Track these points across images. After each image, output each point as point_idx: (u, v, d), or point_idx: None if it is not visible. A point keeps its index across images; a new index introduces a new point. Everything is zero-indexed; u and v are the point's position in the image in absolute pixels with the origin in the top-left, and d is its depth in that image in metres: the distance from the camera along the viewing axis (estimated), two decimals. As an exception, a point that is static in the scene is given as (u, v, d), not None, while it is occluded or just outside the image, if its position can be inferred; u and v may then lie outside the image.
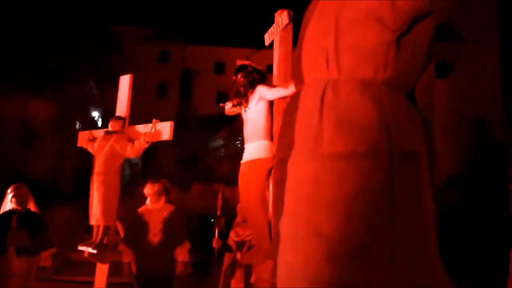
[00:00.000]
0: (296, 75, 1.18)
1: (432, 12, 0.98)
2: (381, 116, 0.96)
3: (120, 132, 4.94)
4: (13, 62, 12.82)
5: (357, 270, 0.91)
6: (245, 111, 3.43)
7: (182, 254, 4.47)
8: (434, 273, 0.97)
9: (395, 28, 0.96)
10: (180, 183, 10.98)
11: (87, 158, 5.44)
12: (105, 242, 4.58)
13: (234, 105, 3.50)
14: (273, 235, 1.08)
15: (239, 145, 13.86)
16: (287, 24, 3.47)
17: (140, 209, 4.70)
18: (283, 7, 3.60)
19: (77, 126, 15.58)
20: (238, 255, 4.90)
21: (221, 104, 3.81)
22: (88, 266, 5.04)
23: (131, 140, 4.85)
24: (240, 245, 4.92)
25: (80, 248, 4.59)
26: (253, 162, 3.25)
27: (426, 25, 0.99)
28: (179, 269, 4.45)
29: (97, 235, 4.62)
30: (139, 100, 7.31)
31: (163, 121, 4.90)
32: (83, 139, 5.40)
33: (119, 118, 5.10)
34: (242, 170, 3.34)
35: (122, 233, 4.95)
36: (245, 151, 3.38)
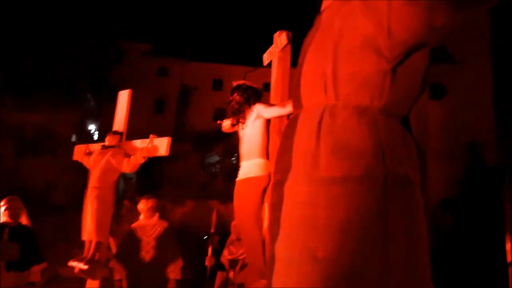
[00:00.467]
0: (294, 98, 1.21)
1: (427, 43, 1.01)
2: (376, 142, 0.99)
3: (117, 147, 4.94)
4: (10, 74, 12.87)
5: None
6: (242, 128, 3.46)
7: (174, 272, 4.42)
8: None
9: (391, 58, 1.00)
10: (175, 199, 10.91)
11: (82, 172, 5.42)
12: (96, 258, 4.52)
13: (232, 125, 3.52)
14: (268, 257, 1.09)
15: (235, 162, 13.86)
16: (286, 45, 3.53)
17: (133, 225, 4.66)
18: (282, 28, 3.68)
19: (73, 139, 15.55)
20: (231, 274, 4.85)
21: (218, 122, 3.83)
22: (78, 282, 4.95)
23: (128, 155, 4.85)
24: (233, 263, 4.88)
25: (71, 263, 4.52)
26: (248, 180, 3.26)
27: (420, 56, 1.03)
28: (171, 287, 4.39)
29: (88, 251, 4.56)
30: (137, 115, 7.33)
31: (160, 137, 4.92)
32: (79, 152, 5.39)
33: (116, 132, 5.11)
34: (237, 188, 3.35)
35: (114, 249, 4.90)
36: (241, 168, 3.39)
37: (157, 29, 30.01)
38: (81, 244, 4.76)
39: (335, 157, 0.99)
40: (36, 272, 4.64)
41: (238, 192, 3.32)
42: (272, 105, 3.41)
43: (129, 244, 4.49)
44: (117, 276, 4.48)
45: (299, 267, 0.96)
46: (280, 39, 3.58)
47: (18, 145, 10.69)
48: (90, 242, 4.57)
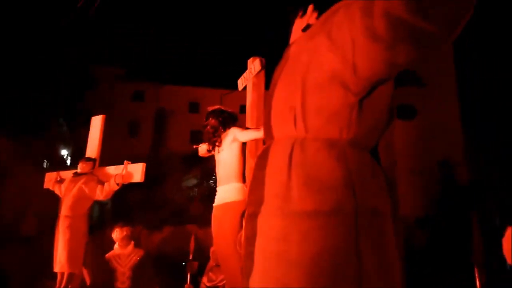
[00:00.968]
0: (265, 129, 1.22)
1: (391, 78, 1.06)
2: (346, 174, 1.00)
3: (90, 174, 4.84)
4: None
5: None
6: (218, 152, 3.45)
7: (151, 303, 4.29)
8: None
9: (357, 92, 1.03)
10: (151, 225, 10.66)
11: (53, 200, 5.24)
12: (69, 290, 4.34)
13: (208, 151, 3.52)
14: (243, 292, 1.08)
15: (213, 185, 13.73)
16: (260, 71, 3.60)
17: (108, 255, 4.53)
18: (255, 53, 3.75)
19: (45, 165, 15.08)
20: (210, 302, 4.74)
21: (194, 146, 3.82)
22: (50, 316, 4.72)
23: (101, 182, 4.75)
24: (212, 291, 4.78)
25: (42, 298, 4.32)
26: (225, 205, 3.24)
27: (385, 89, 1.06)
28: (148, 318, 4.26)
29: (61, 283, 4.38)
30: (111, 139, 7.21)
31: (136, 161, 4.85)
32: (50, 180, 5.24)
33: (89, 159, 5.01)
34: (214, 213, 3.32)
35: (88, 281, 4.72)
36: (217, 193, 3.37)
37: (131, 53, 29.95)
38: (54, 276, 4.57)
39: (307, 190, 0.99)
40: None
41: (215, 218, 3.29)
42: (247, 128, 3.43)
43: (104, 275, 4.34)
44: (91, 309, 4.30)
45: (273, 303, 0.95)
46: (254, 64, 3.65)
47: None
48: (63, 274, 4.40)
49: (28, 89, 14.82)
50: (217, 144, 3.44)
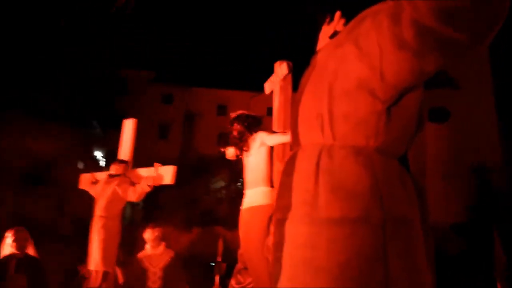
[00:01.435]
0: (292, 135, 1.24)
1: (420, 85, 1.05)
2: (373, 182, 1.00)
3: (123, 176, 4.98)
4: (15, 102, 13.08)
5: None
6: (246, 155, 3.48)
7: (181, 302, 4.37)
8: None
9: (384, 99, 1.03)
10: (181, 226, 10.85)
11: (88, 201, 5.44)
12: (103, 288, 4.49)
13: (237, 156, 3.55)
14: (271, 298, 1.10)
15: (241, 187, 13.78)
16: (287, 75, 3.61)
17: (139, 255, 4.65)
18: (283, 57, 3.77)
19: (80, 166, 15.63)
20: (239, 304, 4.77)
21: (221, 149, 3.87)
22: (84, 313, 4.90)
23: (133, 184, 4.88)
24: (240, 293, 4.81)
25: (78, 295, 4.49)
26: (253, 209, 3.26)
27: (414, 96, 1.06)
28: (177, 317, 4.34)
29: (95, 281, 4.53)
30: (142, 141, 7.41)
31: (165, 163, 4.96)
32: (85, 181, 5.43)
33: (122, 161, 5.16)
34: (242, 217, 3.34)
35: (121, 279, 4.87)
36: (245, 197, 3.40)
37: (161, 56, 30.62)
38: (88, 274, 4.74)
39: (334, 198, 1.00)
40: (42, 304, 4.61)
41: (243, 221, 3.32)
42: (274, 132, 3.45)
43: (136, 274, 4.46)
44: (123, 307, 4.43)
45: (301, 309, 0.97)
46: (281, 68, 3.66)
47: (23, 173, 10.76)
48: (97, 272, 4.55)
49: (63, 91, 15.42)
50: (244, 149, 3.47)
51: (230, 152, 3.63)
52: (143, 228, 5.03)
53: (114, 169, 5.04)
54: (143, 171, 5.03)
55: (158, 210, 13.14)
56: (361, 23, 1.08)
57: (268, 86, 3.89)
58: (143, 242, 4.85)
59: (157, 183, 4.81)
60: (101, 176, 5.27)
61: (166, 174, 4.83)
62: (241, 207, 3.39)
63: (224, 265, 5.36)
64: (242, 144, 3.46)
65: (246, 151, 3.45)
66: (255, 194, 3.30)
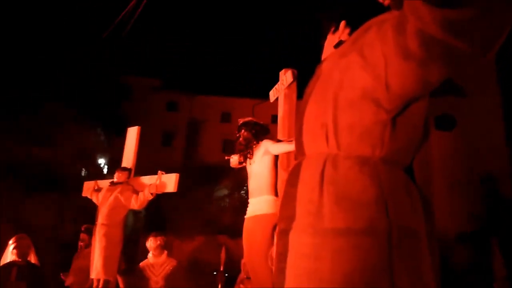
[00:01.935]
0: (297, 145, 1.23)
1: (425, 95, 1.03)
2: (379, 192, 0.99)
3: (125, 183, 4.97)
4: (19, 110, 13.20)
5: None
6: (250, 163, 3.46)
7: (183, 312, 4.32)
8: None
9: (389, 109, 1.02)
10: (183, 234, 10.81)
11: (90, 208, 5.42)
12: (104, 297, 4.45)
13: (240, 162, 3.53)
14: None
15: (244, 195, 13.76)
16: (291, 83, 3.59)
17: (141, 263, 4.61)
18: (287, 65, 3.75)
19: (83, 173, 15.67)
20: (241, 314, 4.71)
21: (226, 157, 3.84)
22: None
23: (136, 192, 4.87)
24: (243, 303, 4.75)
25: (79, 303, 4.45)
26: (257, 217, 3.23)
27: (419, 106, 1.05)
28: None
29: (97, 290, 4.50)
30: (145, 149, 7.42)
31: (169, 171, 4.94)
32: (88, 189, 5.42)
33: (125, 169, 5.15)
34: (246, 225, 3.31)
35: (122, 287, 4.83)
36: (249, 205, 3.37)
37: (166, 64, 30.84)
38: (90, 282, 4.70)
39: (339, 208, 0.99)
40: (43, 312, 4.57)
41: (247, 230, 3.29)
42: (279, 141, 3.42)
43: (138, 283, 4.42)
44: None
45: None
46: (286, 76, 3.65)
47: (26, 180, 10.80)
48: (98, 280, 4.52)
49: (67, 99, 15.54)
50: (248, 156, 3.45)
51: (235, 160, 3.61)
52: (145, 237, 5.00)
53: (117, 176, 5.03)
54: (146, 179, 5.02)
55: (161, 218, 13.12)
56: (366, 32, 1.08)
57: (272, 94, 3.88)
58: (146, 251, 4.81)
59: (160, 191, 4.79)
60: (104, 183, 5.26)
61: (169, 182, 4.81)
62: (244, 216, 3.36)
63: (226, 275, 5.31)
64: (247, 151, 3.44)
65: (250, 158, 3.43)
66: (259, 203, 3.27)
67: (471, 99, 11.07)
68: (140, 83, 21.81)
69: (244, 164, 3.55)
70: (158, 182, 4.77)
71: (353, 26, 1.21)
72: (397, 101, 1.01)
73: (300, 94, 1.32)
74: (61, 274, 5.01)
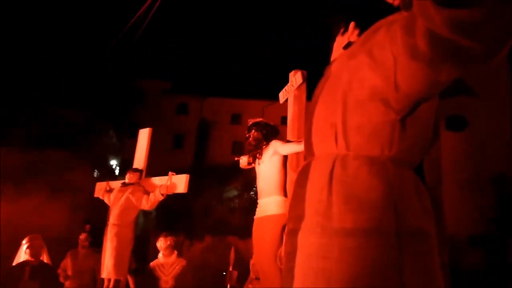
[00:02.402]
0: (306, 145, 1.23)
1: (435, 95, 1.03)
2: (388, 193, 0.99)
3: (137, 184, 5.01)
4: (33, 114, 13.41)
5: None
6: (258, 164, 3.47)
7: (192, 312, 4.34)
8: None
9: (398, 109, 1.02)
10: (193, 234, 10.86)
11: (102, 209, 5.49)
12: (115, 297, 4.49)
13: (249, 163, 3.54)
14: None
15: (254, 196, 13.79)
16: (301, 84, 3.60)
17: (152, 263, 4.65)
18: (297, 66, 3.76)
19: (95, 174, 15.85)
20: (250, 315, 4.72)
21: (236, 158, 3.86)
22: (97, 321, 4.91)
23: (147, 193, 4.91)
24: (252, 303, 4.76)
25: (91, 302, 4.50)
26: (266, 218, 3.24)
27: (429, 106, 1.05)
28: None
29: (107, 289, 4.54)
30: (156, 150, 7.47)
31: (179, 172, 4.97)
32: (100, 189, 5.48)
33: (136, 170, 5.20)
34: (255, 226, 3.32)
35: (133, 287, 4.87)
36: (258, 206, 3.38)
37: (176, 67, 31.06)
38: (101, 281, 4.76)
39: (347, 208, 0.99)
40: (55, 311, 4.65)
41: (256, 231, 3.30)
42: (289, 141, 3.43)
43: (148, 283, 4.46)
44: (135, 316, 4.43)
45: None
46: (296, 78, 3.65)
47: (43, 182, 10.96)
48: (109, 280, 4.57)
49: (81, 101, 15.75)
50: (258, 156, 3.46)
51: (244, 161, 3.63)
52: (156, 237, 5.04)
53: (128, 177, 5.08)
54: (157, 180, 5.06)
55: (171, 218, 13.19)
56: (375, 33, 1.08)
57: (282, 95, 3.89)
58: (156, 251, 4.85)
59: (170, 192, 4.82)
60: (116, 184, 5.31)
61: (179, 183, 4.84)
62: (254, 216, 3.37)
63: (235, 274, 5.32)
64: (256, 152, 3.45)
65: (259, 158, 3.44)
66: (268, 204, 3.27)
67: (483, 100, 10.92)
68: (151, 86, 22.01)
69: (253, 164, 3.57)
70: (168, 183, 4.81)
71: (362, 27, 1.21)
72: (406, 101, 1.01)
73: (310, 95, 1.33)
74: (59, 271, 4.98)
